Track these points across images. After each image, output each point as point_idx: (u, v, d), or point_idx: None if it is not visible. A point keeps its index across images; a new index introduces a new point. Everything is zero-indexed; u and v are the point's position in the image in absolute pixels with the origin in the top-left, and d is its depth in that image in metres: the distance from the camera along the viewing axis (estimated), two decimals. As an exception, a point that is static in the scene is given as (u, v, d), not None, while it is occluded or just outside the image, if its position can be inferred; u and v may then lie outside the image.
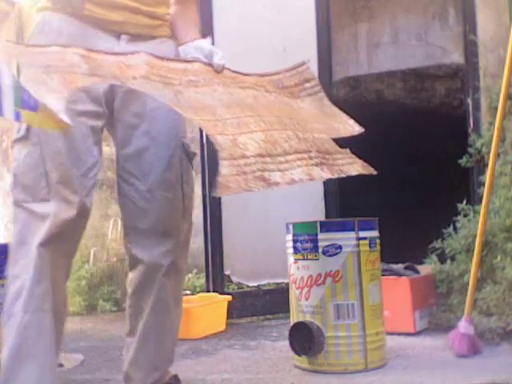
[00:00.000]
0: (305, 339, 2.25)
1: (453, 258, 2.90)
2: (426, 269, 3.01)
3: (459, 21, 3.86)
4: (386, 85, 4.64)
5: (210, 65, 1.76)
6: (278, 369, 2.35)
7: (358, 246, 2.29)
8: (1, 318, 1.59)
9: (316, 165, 1.59)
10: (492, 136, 2.53)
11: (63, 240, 1.59)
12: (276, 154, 1.54)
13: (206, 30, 3.44)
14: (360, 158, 1.74)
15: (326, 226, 2.32)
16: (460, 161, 3.38)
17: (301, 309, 2.32)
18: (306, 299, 2.30)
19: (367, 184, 6.13)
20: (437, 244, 2.95)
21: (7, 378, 1.50)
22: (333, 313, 2.25)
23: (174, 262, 1.80)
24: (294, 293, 2.36)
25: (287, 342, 2.34)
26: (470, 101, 3.49)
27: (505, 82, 2.45)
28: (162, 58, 1.54)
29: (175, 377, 1.90)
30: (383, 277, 2.47)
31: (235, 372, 2.33)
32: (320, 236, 2.29)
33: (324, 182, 3.64)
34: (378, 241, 2.38)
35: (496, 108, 2.60)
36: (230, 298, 3.26)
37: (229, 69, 1.89)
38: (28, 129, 1.59)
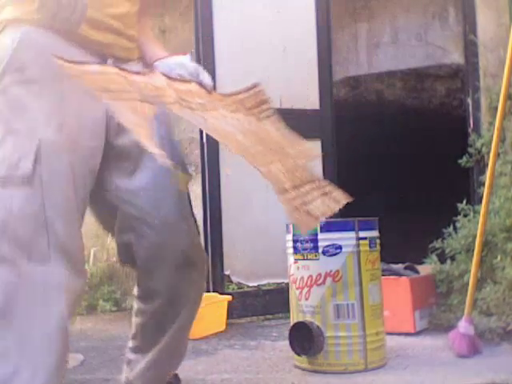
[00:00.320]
0: (305, 339, 2.25)
1: (453, 258, 2.90)
2: (425, 269, 3.01)
3: (459, 21, 3.86)
4: (386, 85, 4.64)
5: (201, 85, 1.56)
6: (278, 369, 2.35)
7: (358, 245, 2.29)
8: None
9: (325, 194, 1.53)
10: (492, 136, 2.53)
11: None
12: (298, 185, 1.44)
13: (206, 30, 3.45)
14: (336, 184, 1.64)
15: (325, 226, 2.32)
16: (460, 161, 3.38)
17: (301, 309, 2.32)
18: (306, 299, 2.30)
19: (367, 184, 6.14)
20: (437, 244, 2.96)
21: None
22: (333, 313, 2.25)
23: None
24: (293, 293, 2.36)
25: (287, 342, 2.34)
26: (469, 101, 3.50)
27: (505, 82, 2.45)
28: (170, 78, 1.42)
29: (176, 376, 1.89)
30: (383, 277, 2.47)
31: (235, 372, 2.33)
32: (320, 236, 2.29)
33: (324, 182, 3.64)
34: (377, 241, 2.38)
35: (496, 108, 2.61)
36: (230, 297, 3.26)
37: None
38: (35, 166, 1.30)
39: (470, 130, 3.47)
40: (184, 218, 1.55)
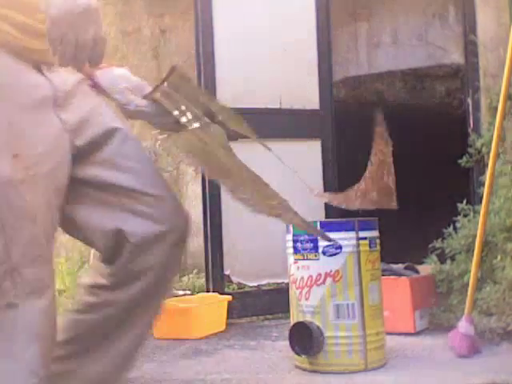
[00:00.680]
0: (305, 339, 2.25)
1: (453, 258, 2.90)
2: (425, 269, 3.01)
3: (459, 21, 3.86)
4: (386, 85, 4.64)
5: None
6: (278, 369, 2.35)
7: (358, 245, 2.29)
8: None
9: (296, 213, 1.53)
10: (492, 136, 2.53)
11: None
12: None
13: (206, 30, 3.45)
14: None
15: (326, 226, 2.32)
16: (460, 161, 3.39)
17: (301, 309, 2.32)
18: (306, 299, 2.30)
19: (367, 184, 6.13)
20: (437, 244, 2.96)
21: None
22: (333, 313, 2.25)
23: None
24: (293, 293, 2.36)
25: (287, 342, 2.34)
26: (470, 101, 3.50)
27: (505, 82, 2.45)
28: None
29: None
30: (383, 277, 2.47)
31: (235, 372, 2.33)
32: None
33: (324, 182, 3.64)
34: (377, 241, 2.38)
35: (496, 108, 2.61)
36: (230, 297, 3.26)
37: None
38: None
39: (470, 130, 3.48)
40: (174, 194, 1.56)
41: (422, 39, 4.11)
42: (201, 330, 3.03)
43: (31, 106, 1.24)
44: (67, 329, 1.40)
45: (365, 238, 2.31)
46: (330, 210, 3.61)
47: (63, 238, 4.71)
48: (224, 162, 1.45)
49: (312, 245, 2.30)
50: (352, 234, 2.29)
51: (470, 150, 3.37)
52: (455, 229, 2.94)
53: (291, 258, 2.38)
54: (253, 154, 3.79)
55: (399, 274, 2.90)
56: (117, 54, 4.64)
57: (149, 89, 1.43)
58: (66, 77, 1.36)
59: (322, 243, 2.28)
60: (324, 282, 2.27)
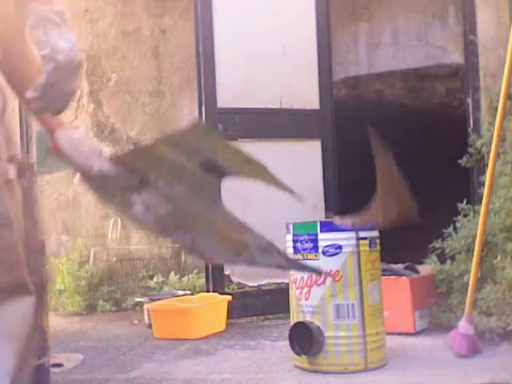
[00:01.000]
0: (305, 339, 2.25)
1: (453, 258, 2.90)
2: (425, 269, 3.01)
3: (459, 21, 3.86)
4: (386, 85, 4.64)
5: None
6: (278, 369, 2.35)
7: (357, 246, 2.29)
8: None
9: None
10: (492, 136, 2.53)
11: None
12: None
13: (206, 30, 3.45)
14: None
15: (326, 226, 2.32)
16: (460, 161, 3.38)
17: (301, 309, 2.32)
18: (306, 299, 2.30)
19: (367, 184, 6.14)
20: (437, 244, 2.96)
21: None
22: (333, 313, 2.25)
23: None
24: (294, 293, 2.36)
25: (287, 342, 2.34)
26: (469, 101, 3.50)
27: (505, 82, 2.45)
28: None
29: None
30: (383, 277, 2.47)
31: (235, 372, 2.33)
32: (320, 236, 2.29)
33: (324, 182, 3.64)
34: (377, 241, 2.38)
35: (496, 108, 2.61)
36: (230, 297, 3.26)
37: None
38: None
39: (470, 130, 3.48)
40: None
41: (422, 39, 4.10)
42: (201, 330, 3.03)
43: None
44: None
45: (365, 238, 2.31)
46: (330, 210, 3.61)
47: (63, 238, 4.71)
48: (195, 215, 1.44)
49: (312, 245, 2.30)
50: (352, 234, 2.29)
51: (470, 150, 3.37)
52: (455, 229, 2.94)
53: (291, 258, 2.38)
54: (253, 154, 3.80)
55: (399, 274, 2.90)
56: (117, 53, 4.65)
57: (105, 151, 1.43)
58: None
59: (322, 243, 2.28)
60: (324, 282, 2.27)
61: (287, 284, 2.48)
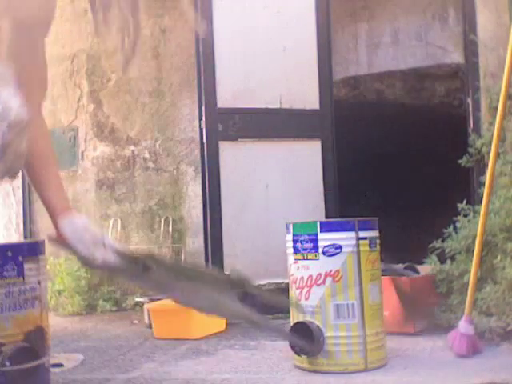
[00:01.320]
0: (305, 339, 2.25)
1: (453, 258, 2.90)
2: (426, 269, 3.01)
3: (459, 21, 3.86)
4: (386, 85, 4.64)
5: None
6: (278, 369, 2.34)
7: (357, 246, 2.29)
8: None
9: None
10: (492, 136, 2.53)
11: None
12: None
13: (206, 30, 3.44)
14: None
15: (326, 226, 2.32)
16: (460, 161, 3.38)
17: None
18: (306, 299, 2.30)
19: (367, 184, 6.14)
20: (437, 244, 2.95)
21: None
22: (333, 313, 2.25)
23: None
24: (293, 293, 2.36)
25: (287, 342, 2.34)
26: (469, 101, 3.50)
27: (505, 82, 2.45)
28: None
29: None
30: (383, 277, 2.47)
31: (235, 372, 2.33)
32: (320, 236, 2.29)
33: (324, 182, 3.64)
34: (377, 241, 2.38)
35: (496, 108, 2.60)
36: (229, 298, 3.26)
37: None
38: None
39: (470, 130, 3.48)
40: None
41: (422, 39, 4.10)
42: (201, 330, 3.03)
43: None
44: None
45: (365, 238, 2.31)
46: (330, 210, 3.61)
47: (63, 238, 4.70)
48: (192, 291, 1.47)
49: (312, 245, 2.30)
50: (352, 234, 2.29)
51: (470, 150, 3.37)
52: (455, 229, 2.94)
53: (291, 258, 2.38)
54: (253, 154, 3.82)
55: (399, 274, 2.90)
56: (117, 53, 4.64)
57: (108, 238, 1.45)
58: None
59: (322, 243, 2.28)
60: (324, 282, 2.27)
61: (287, 284, 2.48)
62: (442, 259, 2.96)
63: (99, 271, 1.44)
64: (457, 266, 2.82)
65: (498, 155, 2.54)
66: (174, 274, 1.45)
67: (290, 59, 3.61)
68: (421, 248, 3.13)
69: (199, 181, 3.65)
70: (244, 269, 3.49)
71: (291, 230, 2.38)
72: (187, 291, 1.46)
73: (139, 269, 1.41)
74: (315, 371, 2.26)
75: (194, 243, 4.46)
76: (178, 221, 4.56)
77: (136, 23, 1.41)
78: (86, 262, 1.44)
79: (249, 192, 3.51)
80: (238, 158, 3.47)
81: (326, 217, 3.53)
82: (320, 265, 2.28)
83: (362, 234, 2.30)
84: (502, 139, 2.86)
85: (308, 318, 2.28)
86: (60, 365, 2.51)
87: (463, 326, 2.40)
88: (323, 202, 3.62)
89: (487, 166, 2.55)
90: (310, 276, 2.29)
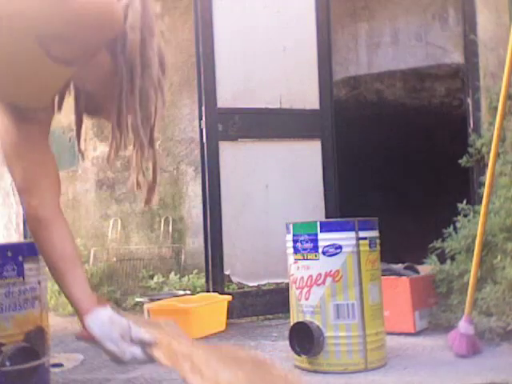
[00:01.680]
0: (305, 339, 2.25)
1: (453, 258, 2.90)
2: (425, 269, 3.01)
3: (459, 21, 3.86)
4: (386, 85, 4.64)
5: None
6: (278, 369, 2.34)
7: (357, 245, 2.29)
8: None
9: None
10: (492, 136, 2.53)
11: None
12: None
13: (206, 30, 3.45)
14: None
15: (326, 226, 2.32)
16: (460, 161, 3.38)
17: (301, 309, 2.32)
18: (306, 299, 2.30)
19: (367, 184, 6.14)
20: (437, 244, 2.95)
21: None
22: (333, 313, 2.25)
23: None
24: (293, 293, 2.36)
25: (287, 342, 2.34)
26: (469, 101, 3.50)
27: (505, 82, 2.45)
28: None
29: None
30: (383, 277, 2.47)
31: (235, 372, 2.33)
32: (320, 236, 2.29)
33: (324, 182, 3.64)
34: (377, 241, 2.38)
35: (496, 108, 2.60)
36: (230, 297, 3.26)
37: None
38: None
39: (470, 130, 3.48)
40: None
41: (422, 39, 4.10)
42: (201, 330, 3.03)
43: None
44: None
45: (365, 238, 2.31)
46: (330, 210, 3.61)
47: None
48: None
49: (312, 245, 2.30)
50: (352, 234, 2.29)
51: (470, 150, 3.37)
52: (455, 229, 2.94)
53: (291, 258, 2.38)
54: (253, 154, 3.82)
55: (399, 274, 2.90)
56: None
57: (135, 327, 1.49)
58: None
59: (322, 243, 2.28)
60: (324, 282, 2.27)
61: (287, 284, 2.48)
62: (442, 259, 2.96)
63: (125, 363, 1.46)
64: (457, 265, 2.82)
65: (497, 155, 2.54)
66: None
67: (290, 59, 3.61)
68: (421, 248, 3.13)
69: (199, 181, 3.64)
70: (244, 269, 3.50)
71: (291, 230, 2.38)
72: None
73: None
74: (315, 371, 2.26)
75: (194, 243, 4.46)
76: (178, 221, 4.56)
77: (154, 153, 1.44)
78: (116, 359, 1.46)
79: (249, 192, 3.51)
80: (238, 158, 3.47)
81: (326, 217, 3.53)
82: (320, 265, 2.28)
83: (361, 233, 2.30)
84: (502, 139, 2.86)
85: (308, 318, 2.28)
86: (60, 365, 2.51)
87: (463, 325, 2.40)
88: (323, 202, 3.62)
89: (487, 165, 2.55)
90: (310, 276, 2.29)
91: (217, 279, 3.41)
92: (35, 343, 1.95)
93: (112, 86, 1.39)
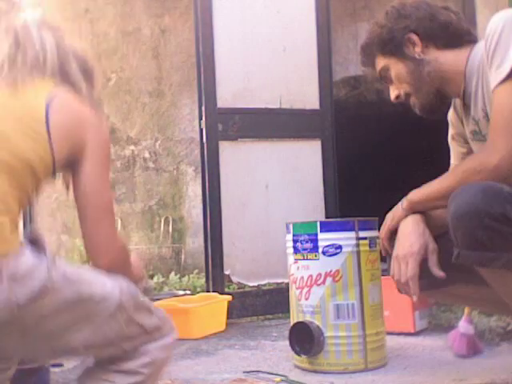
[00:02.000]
0: (305, 339, 2.25)
1: (453, 258, 2.90)
2: (425, 269, 3.01)
3: (459, 21, 3.86)
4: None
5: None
6: (278, 369, 2.34)
7: (357, 245, 2.29)
8: None
9: None
10: (492, 136, 2.52)
11: None
12: None
13: (206, 30, 3.45)
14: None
15: (325, 226, 2.32)
16: (460, 161, 3.38)
17: (301, 309, 2.32)
18: (306, 299, 2.30)
19: (367, 184, 6.14)
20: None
21: None
22: (333, 313, 2.25)
23: None
24: (293, 293, 2.36)
25: (287, 342, 2.34)
26: (470, 101, 3.49)
27: (505, 82, 2.44)
28: None
29: None
30: (383, 277, 2.47)
31: (235, 372, 2.33)
32: (320, 236, 2.29)
33: (324, 182, 3.64)
34: (378, 241, 2.37)
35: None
36: (230, 297, 3.26)
37: None
38: None
39: (470, 130, 3.47)
40: None
41: (422, 39, 4.10)
42: (201, 330, 3.03)
43: None
44: None
45: (365, 238, 2.31)
46: (330, 210, 3.61)
47: (62, 238, 4.71)
48: None
49: (312, 245, 2.30)
50: (352, 234, 2.29)
51: (471, 150, 3.36)
52: (455, 229, 2.94)
53: (291, 258, 2.38)
54: (253, 154, 3.82)
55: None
56: (117, 53, 4.65)
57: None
58: None
59: (322, 243, 2.28)
60: (324, 282, 2.27)
61: (287, 284, 2.48)
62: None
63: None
64: (457, 265, 2.82)
65: (498, 155, 2.53)
66: None
67: (290, 59, 3.61)
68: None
69: (199, 181, 3.64)
70: (244, 269, 3.50)
71: (291, 230, 2.38)
72: None
73: None
74: (315, 371, 2.26)
75: (194, 243, 4.46)
76: (177, 221, 4.56)
77: None
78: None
79: (249, 192, 3.51)
80: (238, 158, 3.47)
81: (326, 217, 3.53)
82: (320, 265, 2.28)
83: (361, 233, 2.30)
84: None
85: (308, 318, 2.29)
86: (60, 365, 2.50)
87: (463, 325, 2.40)
88: (323, 202, 3.62)
89: (487, 166, 2.55)
90: (310, 276, 2.29)
91: (217, 279, 3.41)
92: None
93: None
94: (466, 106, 1.89)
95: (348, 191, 4.24)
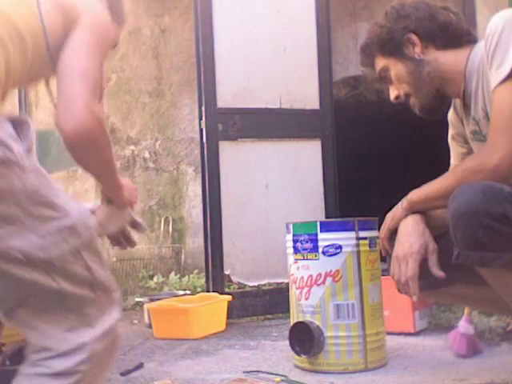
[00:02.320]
0: (305, 339, 2.25)
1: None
2: (425, 269, 3.01)
3: (459, 21, 3.86)
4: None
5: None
6: (278, 369, 2.34)
7: (357, 245, 2.29)
8: None
9: None
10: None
11: None
12: None
13: (206, 30, 3.45)
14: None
15: (325, 226, 2.32)
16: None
17: (301, 309, 2.32)
18: (306, 299, 2.30)
19: (367, 184, 6.14)
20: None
21: None
22: (333, 313, 2.25)
23: None
24: (293, 293, 2.36)
25: (287, 342, 2.34)
26: (470, 101, 3.49)
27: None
28: None
29: None
30: (383, 277, 2.47)
31: (235, 372, 2.33)
32: (320, 236, 2.29)
33: (324, 182, 3.65)
34: (377, 241, 2.38)
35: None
36: (230, 297, 3.26)
37: None
38: None
39: (470, 130, 3.47)
40: None
41: (422, 39, 4.10)
42: (201, 330, 3.03)
43: None
44: None
45: (365, 238, 2.31)
46: (330, 210, 3.62)
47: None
48: None
49: (312, 245, 2.30)
50: (352, 234, 2.29)
51: (471, 150, 3.37)
52: (455, 229, 2.94)
53: (291, 258, 2.38)
54: (253, 154, 3.81)
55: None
56: (117, 53, 4.65)
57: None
58: None
59: (321, 243, 2.28)
60: (324, 282, 2.27)
61: (287, 284, 2.48)
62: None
63: None
64: (457, 265, 2.82)
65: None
66: None
67: (290, 59, 3.61)
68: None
69: (199, 181, 3.65)
70: (244, 269, 3.50)
71: (291, 230, 2.38)
72: None
73: None
74: (315, 371, 2.26)
75: (194, 243, 4.47)
76: (177, 221, 4.56)
77: None
78: None
79: (249, 192, 3.51)
80: (238, 158, 3.47)
81: (326, 217, 3.53)
82: (320, 265, 2.28)
83: (361, 233, 2.30)
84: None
85: (308, 318, 2.29)
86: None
87: (463, 325, 2.40)
88: (323, 202, 3.63)
89: (487, 166, 2.55)
90: (310, 276, 2.29)
91: (217, 279, 3.41)
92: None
93: None
94: (466, 106, 1.89)
95: (348, 191, 4.24)
